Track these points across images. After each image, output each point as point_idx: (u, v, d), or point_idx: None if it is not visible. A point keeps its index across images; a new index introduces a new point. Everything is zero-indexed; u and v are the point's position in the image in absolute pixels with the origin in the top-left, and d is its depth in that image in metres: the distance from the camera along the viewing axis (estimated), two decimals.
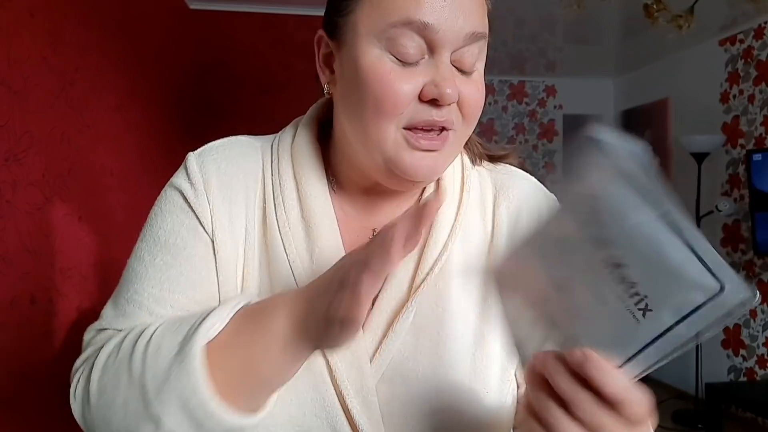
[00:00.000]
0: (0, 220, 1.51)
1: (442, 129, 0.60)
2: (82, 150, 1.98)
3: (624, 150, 0.41)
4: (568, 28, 4.01)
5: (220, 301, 0.65)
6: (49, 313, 1.77)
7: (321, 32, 0.65)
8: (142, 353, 0.56)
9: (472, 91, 0.61)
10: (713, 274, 0.39)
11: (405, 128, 0.59)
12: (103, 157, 2.17)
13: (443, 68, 0.58)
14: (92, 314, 2.17)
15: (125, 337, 0.60)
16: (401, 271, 0.66)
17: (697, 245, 0.40)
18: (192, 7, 3.45)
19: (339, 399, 0.63)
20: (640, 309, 0.41)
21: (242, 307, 0.59)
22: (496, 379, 0.67)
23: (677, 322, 0.40)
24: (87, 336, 0.66)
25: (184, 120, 3.29)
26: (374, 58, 0.58)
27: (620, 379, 0.42)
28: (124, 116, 2.38)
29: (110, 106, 2.24)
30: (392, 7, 0.57)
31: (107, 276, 2.19)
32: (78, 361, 0.64)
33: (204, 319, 0.56)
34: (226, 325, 0.57)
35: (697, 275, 0.39)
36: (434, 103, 0.58)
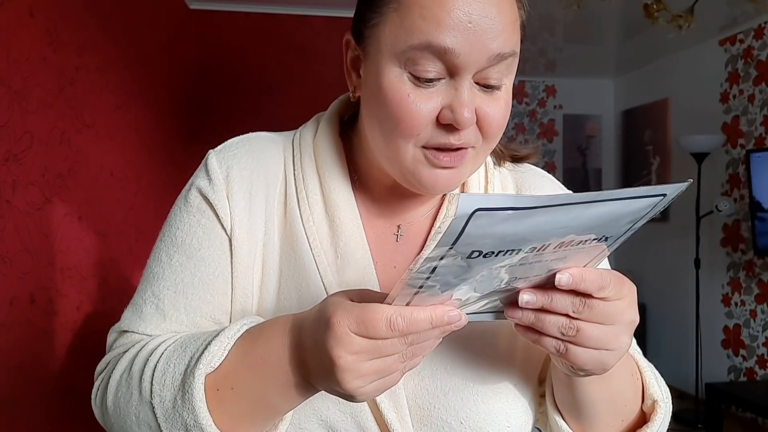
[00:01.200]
0: (0, 220, 1.51)
1: (459, 148, 0.60)
2: (82, 150, 1.98)
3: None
4: (568, 28, 4.01)
5: (232, 299, 0.65)
6: (48, 313, 1.77)
7: (348, 36, 0.65)
8: (150, 376, 0.58)
9: (495, 110, 0.59)
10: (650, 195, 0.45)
11: (423, 147, 0.60)
12: (103, 157, 2.17)
13: (462, 92, 0.57)
14: (92, 314, 2.17)
15: (138, 352, 0.62)
16: None
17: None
18: (192, 7, 3.45)
19: None
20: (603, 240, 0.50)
21: (244, 332, 0.58)
22: (521, 368, 0.67)
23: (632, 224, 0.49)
24: (110, 338, 0.69)
25: (183, 120, 3.29)
26: (394, 77, 0.58)
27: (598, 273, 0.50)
28: (124, 116, 2.38)
29: (110, 105, 2.24)
30: (414, 29, 0.56)
31: (107, 276, 2.19)
32: (100, 365, 0.67)
33: (206, 347, 0.57)
34: (229, 351, 0.57)
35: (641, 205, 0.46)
36: (451, 127, 0.58)
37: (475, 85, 0.59)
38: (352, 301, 0.50)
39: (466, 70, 0.57)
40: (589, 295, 0.50)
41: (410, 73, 0.57)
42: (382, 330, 0.47)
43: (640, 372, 0.65)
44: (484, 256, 0.44)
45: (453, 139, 0.58)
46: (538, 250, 0.46)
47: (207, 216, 0.66)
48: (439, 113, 0.58)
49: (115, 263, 2.27)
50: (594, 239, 0.48)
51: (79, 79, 1.95)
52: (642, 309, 4.73)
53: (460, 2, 0.55)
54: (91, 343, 1.96)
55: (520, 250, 0.45)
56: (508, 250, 0.44)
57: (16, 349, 1.59)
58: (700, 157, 3.90)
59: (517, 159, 0.76)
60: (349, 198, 0.68)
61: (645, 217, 0.48)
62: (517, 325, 0.53)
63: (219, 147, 0.70)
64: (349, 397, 0.50)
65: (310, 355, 0.52)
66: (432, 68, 0.57)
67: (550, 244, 0.45)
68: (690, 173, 4.18)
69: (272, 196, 0.67)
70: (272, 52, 3.52)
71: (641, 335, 4.65)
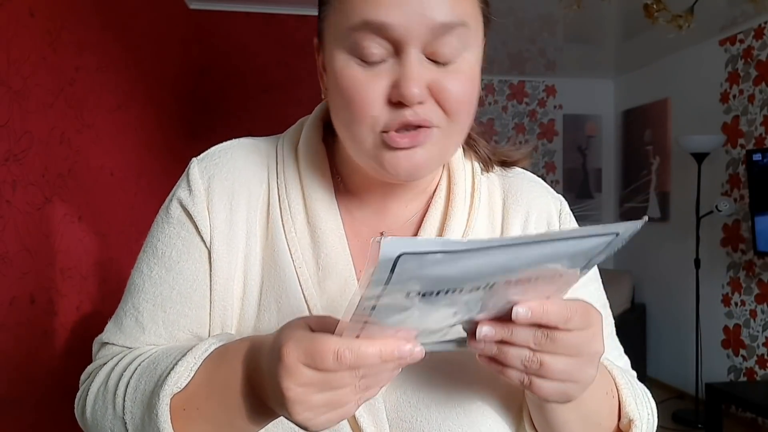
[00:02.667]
0: (0, 220, 1.51)
1: (419, 126, 0.58)
2: (82, 150, 1.98)
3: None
4: (568, 28, 4.01)
5: (211, 312, 0.65)
6: (48, 313, 1.77)
7: (315, 39, 0.65)
8: (123, 392, 0.59)
9: (453, 84, 0.57)
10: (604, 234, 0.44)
11: (382, 131, 0.58)
12: (103, 157, 2.17)
13: (408, 67, 0.55)
14: (92, 314, 2.17)
15: (114, 366, 0.63)
16: None
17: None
18: (192, 7, 3.45)
19: None
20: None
21: (213, 351, 0.58)
22: (505, 382, 0.66)
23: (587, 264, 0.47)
24: (94, 348, 0.69)
25: (183, 120, 3.29)
26: (343, 63, 0.57)
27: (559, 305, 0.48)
28: (124, 116, 2.38)
29: (110, 106, 2.24)
30: (350, 11, 0.56)
31: (107, 276, 2.19)
32: (83, 374, 0.67)
33: (173, 368, 0.57)
34: (196, 372, 0.57)
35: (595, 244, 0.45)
36: (402, 104, 0.56)
37: (427, 60, 0.57)
38: (312, 329, 0.49)
39: (408, 44, 0.55)
40: (553, 327, 0.48)
41: (356, 56, 0.57)
42: (329, 363, 0.45)
43: (618, 390, 0.63)
44: (423, 296, 0.42)
45: (409, 116, 0.56)
46: (488, 287, 0.44)
47: (186, 228, 0.65)
48: (390, 93, 0.56)
49: (115, 263, 2.27)
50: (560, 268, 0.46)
51: (79, 79, 1.95)
52: (642, 309, 4.73)
53: None
54: (90, 343, 1.95)
55: (462, 289, 0.43)
56: (448, 290, 0.43)
57: (16, 349, 1.59)
58: (700, 157, 3.90)
59: (507, 164, 0.75)
60: (332, 207, 0.67)
61: (601, 254, 0.46)
62: (479, 355, 0.51)
63: (201, 155, 0.69)
64: (302, 427, 0.49)
65: (266, 382, 0.51)
66: (375, 48, 0.56)
67: (496, 283, 0.44)
68: (690, 173, 4.18)
69: (254, 207, 0.66)
70: (272, 52, 3.52)
71: (641, 335, 4.65)
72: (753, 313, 3.78)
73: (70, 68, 1.89)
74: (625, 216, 5.17)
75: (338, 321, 0.47)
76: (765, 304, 3.69)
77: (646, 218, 0.44)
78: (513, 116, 5.29)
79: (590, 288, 0.71)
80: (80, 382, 0.67)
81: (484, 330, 0.48)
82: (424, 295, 0.42)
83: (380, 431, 0.62)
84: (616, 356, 0.72)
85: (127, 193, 2.42)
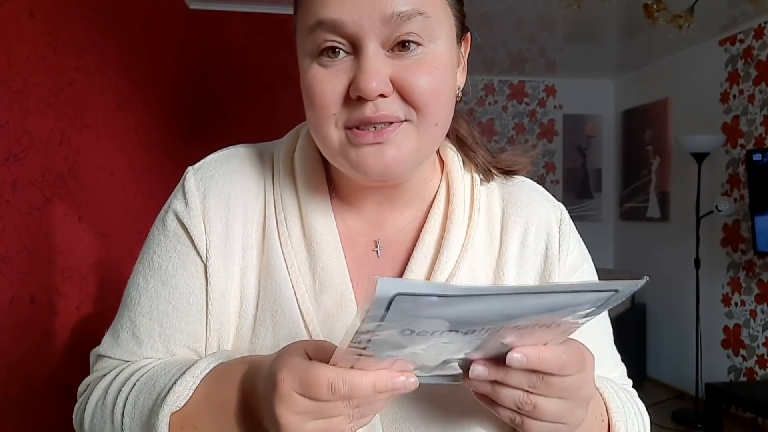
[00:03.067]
0: (0, 220, 1.51)
1: (388, 123, 0.57)
2: (82, 150, 1.98)
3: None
4: (568, 28, 4.01)
5: (207, 326, 0.65)
6: (48, 313, 1.77)
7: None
8: (122, 408, 0.60)
9: (416, 76, 0.56)
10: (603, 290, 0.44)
11: (346, 127, 0.58)
12: (103, 157, 2.17)
13: (364, 61, 0.55)
14: (92, 314, 2.17)
15: (113, 381, 0.63)
16: None
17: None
18: (192, 7, 3.45)
19: None
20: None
21: (211, 370, 0.58)
22: None
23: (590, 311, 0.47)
24: (91, 359, 0.69)
25: (183, 119, 3.29)
26: (305, 65, 0.58)
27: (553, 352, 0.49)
28: (123, 116, 2.38)
29: (110, 105, 2.24)
30: (307, 12, 0.57)
31: (107, 276, 2.19)
32: (81, 386, 0.68)
33: (172, 386, 0.57)
34: (195, 391, 0.57)
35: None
36: (363, 100, 0.56)
37: (387, 53, 0.56)
38: (308, 354, 0.49)
39: (363, 37, 0.55)
40: (548, 373, 0.48)
41: (317, 56, 0.57)
42: (323, 393, 0.45)
43: (608, 413, 0.63)
44: (418, 334, 0.43)
45: (368, 112, 0.56)
46: (485, 331, 0.44)
47: (182, 242, 0.65)
48: (350, 89, 0.56)
49: (115, 263, 2.27)
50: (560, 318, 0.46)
51: (79, 79, 1.95)
52: (642, 309, 4.74)
53: None
54: (90, 344, 1.95)
55: (458, 331, 0.43)
56: (443, 331, 0.43)
57: (16, 349, 1.59)
58: (700, 157, 3.90)
59: (509, 173, 0.73)
60: (328, 218, 0.66)
61: (601, 308, 0.46)
62: (474, 392, 0.52)
63: (198, 164, 0.69)
64: None
65: (261, 406, 0.51)
66: (333, 46, 0.56)
67: (493, 327, 0.44)
68: (690, 173, 4.18)
69: (251, 219, 0.66)
70: (272, 52, 3.52)
71: (641, 335, 4.65)
72: (753, 313, 3.78)
73: (70, 68, 1.89)
74: (625, 216, 5.17)
75: (335, 347, 0.47)
76: (765, 304, 3.69)
77: (646, 278, 0.45)
78: (513, 116, 5.29)
79: None
80: (78, 393, 0.67)
81: (478, 369, 0.49)
82: (419, 334, 0.43)
83: None
84: (611, 366, 0.71)
85: (127, 193, 2.42)
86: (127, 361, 0.65)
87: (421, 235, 0.67)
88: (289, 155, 0.69)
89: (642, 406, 0.70)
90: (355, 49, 0.56)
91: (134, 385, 0.61)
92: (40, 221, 1.70)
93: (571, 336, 0.51)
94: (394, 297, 0.38)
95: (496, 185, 0.72)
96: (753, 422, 3.70)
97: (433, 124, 0.59)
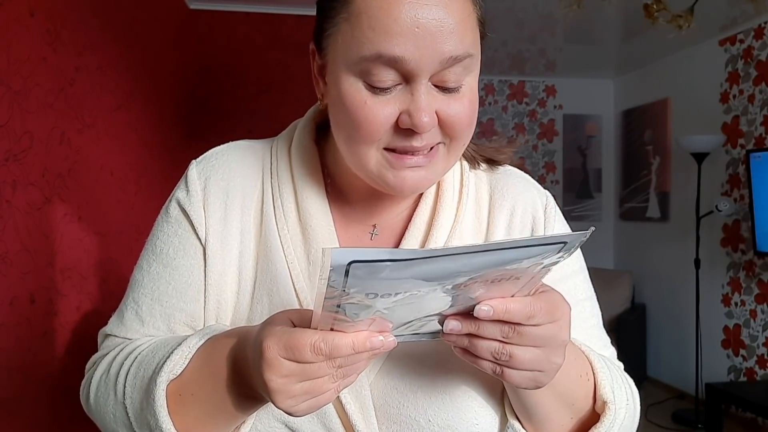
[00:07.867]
0: (0, 220, 1.51)
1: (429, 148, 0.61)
2: (82, 150, 1.98)
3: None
4: (568, 28, 4.02)
5: (205, 306, 0.68)
6: (48, 313, 1.77)
7: (312, 45, 0.66)
8: (124, 379, 0.64)
9: (457, 110, 0.60)
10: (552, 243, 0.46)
11: (386, 149, 0.61)
12: (103, 157, 2.17)
13: (418, 97, 0.58)
14: (92, 314, 2.17)
15: (116, 356, 0.67)
16: None
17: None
18: (192, 7, 3.45)
19: None
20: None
21: (206, 340, 0.62)
22: None
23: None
24: (99, 338, 0.74)
25: (183, 119, 3.29)
26: (350, 86, 0.59)
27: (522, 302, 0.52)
28: (123, 116, 2.38)
29: (110, 105, 2.24)
30: (364, 40, 0.56)
31: (107, 276, 2.19)
32: (89, 363, 0.72)
33: (169, 356, 0.60)
34: (191, 360, 0.61)
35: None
36: (411, 131, 0.59)
37: (433, 87, 0.59)
38: (293, 322, 0.53)
39: (419, 75, 0.57)
40: (516, 323, 0.51)
41: (365, 82, 0.58)
42: (307, 355, 0.49)
43: (594, 373, 0.65)
44: (382, 297, 0.46)
45: (415, 143, 0.59)
46: (448, 289, 0.47)
47: (183, 226, 0.69)
48: (397, 118, 0.59)
49: (115, 263, 2.27)
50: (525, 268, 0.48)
51: (79, 79, 1.95)
52: (642, 309, 4.73)
53: (406, 8, 0.55)
54: (91, 343, 1.95)
55: (419, 291, 0.46)
56: (406, 292, 0.46)
57: (16, 349, 1.59)
58: (700, 157, 3.90)
59: (491, 162, 0.77)
60: (323, 205, 0.69)
61: (558, 257, 0.49)
62: (455, 347, 0.54)
63: (200, 158, 0.73)
64: (287, 413, 0.52)
65: (252, 372, 0.54)
66: (386, 77, 0.57)
67: (456, 285, 0.46)
68: (690, 173, 4.18)
69: (249, 206, 0.70)
70: (272, 52, 3.52)
71: (641, 335, 4.65)
72: (753, 313, 3.78)
73: (70, 68, 1.89)
74: (625, 216, 5.17)
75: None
76: (765, 304, 3.69)
77: (593, 228, 0.47)
78: (513, 116, 5.29)
79: (575, 280, 0.73)
80: (86, 369, 0.71)
81: (451, 324, 0.52)
82: (382, 296, 0.46)
83: (366, 417, 0.64)
84: (600, 347, 0.73)
85: (127, 193, 2.42)
86: (131, 339, 0.69)
87: (412, 219, 0.71)
88: (287, 147, 0.73)
89: (631, 380, 0.72)
90: (407, 81, 0.58)
91: (135, 358, 0.64)
92: (40, 221, 1.70)
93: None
94: (350, 264, 0.41)
95: (484, 174, 0.76)
96: (753, 422, 3.70)
97: (462, 146, 0.64)
